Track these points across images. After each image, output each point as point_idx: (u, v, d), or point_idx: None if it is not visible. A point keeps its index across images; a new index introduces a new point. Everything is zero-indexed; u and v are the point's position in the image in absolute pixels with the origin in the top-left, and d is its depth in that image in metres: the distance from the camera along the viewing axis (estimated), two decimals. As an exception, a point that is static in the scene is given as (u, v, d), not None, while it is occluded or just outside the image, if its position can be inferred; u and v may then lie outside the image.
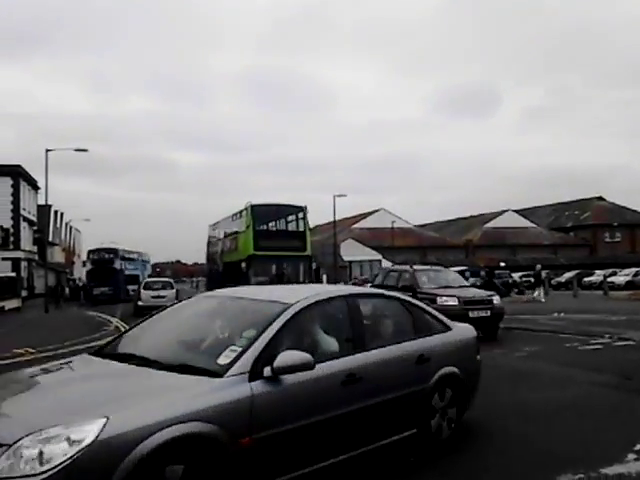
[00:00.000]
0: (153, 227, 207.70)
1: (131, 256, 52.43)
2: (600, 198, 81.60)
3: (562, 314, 20.31)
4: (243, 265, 25.04)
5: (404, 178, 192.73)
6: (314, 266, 27.36)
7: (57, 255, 65.65)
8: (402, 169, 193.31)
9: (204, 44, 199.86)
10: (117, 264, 45.23)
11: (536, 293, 32.41)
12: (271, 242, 25.16)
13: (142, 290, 29.58)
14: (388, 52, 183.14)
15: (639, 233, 75.84)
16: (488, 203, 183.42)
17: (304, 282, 24.90)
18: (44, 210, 53.97)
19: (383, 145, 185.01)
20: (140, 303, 28.04)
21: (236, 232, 27.98)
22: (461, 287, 15.59)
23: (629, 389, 8.29)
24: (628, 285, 42.62)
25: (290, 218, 27.08)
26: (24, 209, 49.30)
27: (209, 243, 35.73)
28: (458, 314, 12.69)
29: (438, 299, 13.92)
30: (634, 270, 46.53)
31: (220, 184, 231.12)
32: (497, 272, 41.50)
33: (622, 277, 45.64)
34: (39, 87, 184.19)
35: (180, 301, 6.07)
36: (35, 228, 53.84)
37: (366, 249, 63.09)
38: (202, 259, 41.04)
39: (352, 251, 60.65)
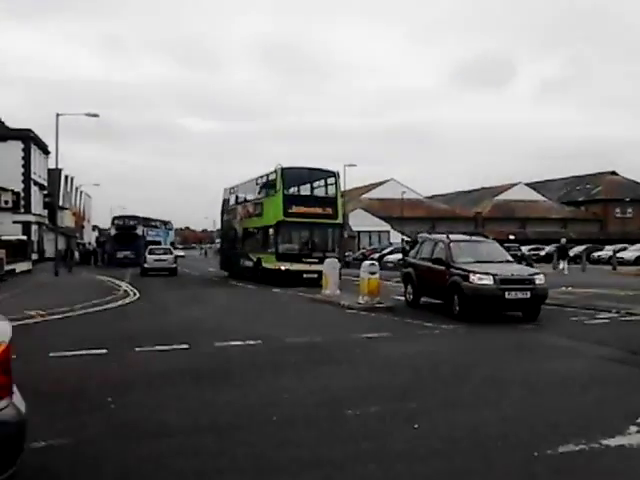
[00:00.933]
0: (163, 193, 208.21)
1: (154, 224, 57.05)
2: (613, 173, 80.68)
3: (570, 288, 20.28)
4: (271, 231, 24.19)
5: (416, 149, 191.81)
6: (345, 235, 26.52)
7: (67, 219, 65.91)
8: (414, 139, 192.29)
9: (218, 10, 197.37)
10: (139, 230, 48.34)
11: (561, 266, 32.88)
12: (302, 208, 23.99)
13: (147, 255, 34.00)
14: (404, 21, 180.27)
15: (651, 209, 75.07)
16: (500, 175, 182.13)
17: (334, 251, 24.10)
18: (54, 174, 54.17)
19: (396, 115, 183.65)
20: (146, 265, 33.09)
21: (262, 196, 26.76)
22: (502, 262, 13.78)
23: (634, 363, 8.31)
24: (637, 261, 42.43)
25: (321, 183, 25.79)
26: (34, 173, 49.36)
27: (225, 208, 33.53)
28: (493, 295, 12.30)
29: (471, 276, 12.53)
30: (644, 245, 46.25)
31: (232, 152, 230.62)
32: (506, 245, 41.44)
33: (631, 252, 45.38)
34: (52, 51, 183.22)
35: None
36: (45, 192, 54.01)
37: (375, 219, 62.89)
38: (211, 226, 41.45)
39: (361, 221, 60.46)
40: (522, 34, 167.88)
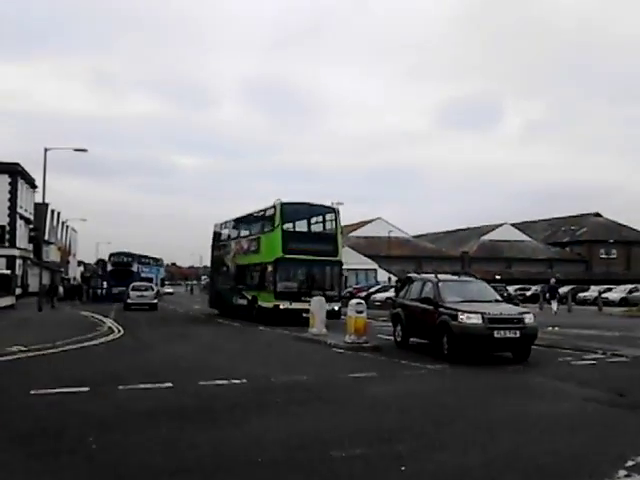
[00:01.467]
0: (150, 229, 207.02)
1: (146, 261, 58.61)
2: (597, 214, 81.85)
3: (556, 328, 20.32)
4: (269, 269, 23.41)
5: (403, 189, 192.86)
6: (344, 273, 25.77)
7: (52, 254, 65.44)
8: (402, 180, 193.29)
9: (208, 48, 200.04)
10: (134, 267, 51.45)
11: (553, 306, 33.27)
12: (301, 245, 23.35)
13: (130, 291, 36.12)
14: (391, 63, 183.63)
15: (634, 250, 75.94)
16: (486, 216, 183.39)
17: (333, 289, 23.57)
18: (41, 209, 54.00)
19: (384, 155, 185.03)
20: (129, 301, 35.26)
21: (259, 232, 25.93)
22: (491, 302, 13.65)
23: (621, 405, 8.28)
24: (622, 302, 42.65)
25: (321, 219, 25.12)
26: (21, 207, 49.18)
27: (216, 243, 32.56)
28: (481, 334, 12.17)
29: (460, 315, 12.38)
30: (629, 287, 46.61)
31: (218, 189, 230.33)
32: (492, 285, 41.64)
33: (616, 294, 45.68)
34: (40, 85, 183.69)
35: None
36: (31, 226, 53.74)
37: (362, 258, 62.95)
38: (197, 262, 41.18)
39: (348, 259, 60.24)
40: (508, 76, 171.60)
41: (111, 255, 53.45)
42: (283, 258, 22.92)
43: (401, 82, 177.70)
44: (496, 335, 12.16)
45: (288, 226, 24.16)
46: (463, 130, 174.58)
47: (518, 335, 12.34)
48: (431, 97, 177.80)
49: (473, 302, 13.23)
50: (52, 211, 65.56)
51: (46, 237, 59.28)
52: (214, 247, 32.87)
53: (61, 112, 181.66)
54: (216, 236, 32.59)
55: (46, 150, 32.09)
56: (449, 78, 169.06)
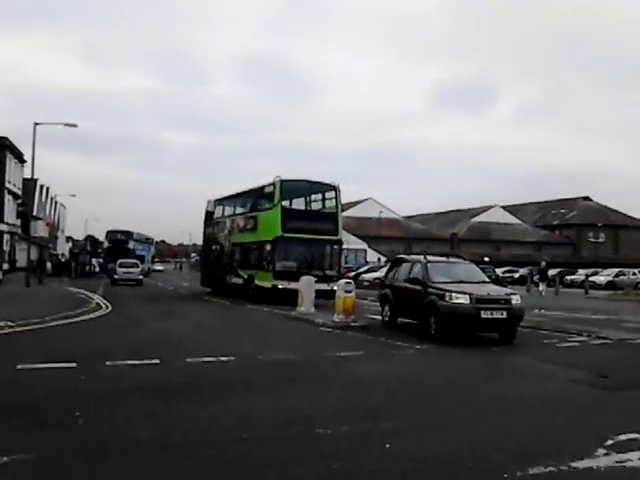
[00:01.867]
0: (139, 206, 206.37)
1: (141, 238, 59.98)
2: (586, 198, 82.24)
3: (543, 310, 20.49)
4: (267, 247, 22.89)
5: (395, 169, 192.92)
6: (344, 252, 24.73)
7: (41, 230, 64.97)
8: (395, 160, 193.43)
9: (202, 23, 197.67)
10: (131, 244, 53.05)
11: (540, 288, 33.76)
12: (301, 223, 22.80)
13: (117, 268, 38.25)
14: (388, 43, 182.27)
15: (623, 234, 76.55)
16: (477, 198, 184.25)
17: (333, 268, 23.15)
18: (29, 184, 53.51)
19: (377, 135, 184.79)
20: (115, 276, 37.48)
21: (256, 209, 25.38)
22: (479, 283, 13.85)
23: (604, 386, 8.39)
24: (609, 285, 43.10)
25: (321, 197, 24.50)
26: (9, 182, 48.72)
27: (209, 221, 31.70)
28: (468, 314, 12.29)
29: (447, 296, 12.52)
30: (615, 271, 47.05)
31: (210, 167, 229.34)
32: (480, 267, 41.90)
33: (603, 277, 46.12)
34: (31, 59, 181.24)
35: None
36: (19, 201, 53.24)
37: (352, 238, 62.81)
38: (187, 240, 41.15)
39: (338, 239, 60.44)
40: (504, 58, 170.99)
41: (108, 232, 54.61)
42: (282, 237, 22.38)
43: (397, 63, 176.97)
44: (483, 315, 12.28)
45: (287, 204, 23.65)
46: (458, 111, 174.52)
47: (505, 316, 12.47)
48: (427, 78, 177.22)
49: (461, 283, 13.37)
50: (41, 186, 64.97)
51: (34, 212, 58.84)
52: (207, 224, 32.09)
53: (53, 86, 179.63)
54: (209, 213, 31.76)
55: (36, 125, 31.71)
56: (446, 59, 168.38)
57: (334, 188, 23.89)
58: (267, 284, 22.49)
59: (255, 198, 25.97)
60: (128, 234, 54.52)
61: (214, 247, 30.48)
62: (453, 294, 12.55)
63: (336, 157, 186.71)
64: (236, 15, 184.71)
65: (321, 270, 22.20)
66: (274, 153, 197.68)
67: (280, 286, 21.91)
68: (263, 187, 24.58)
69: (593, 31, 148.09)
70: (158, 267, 79.94)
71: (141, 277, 38.58)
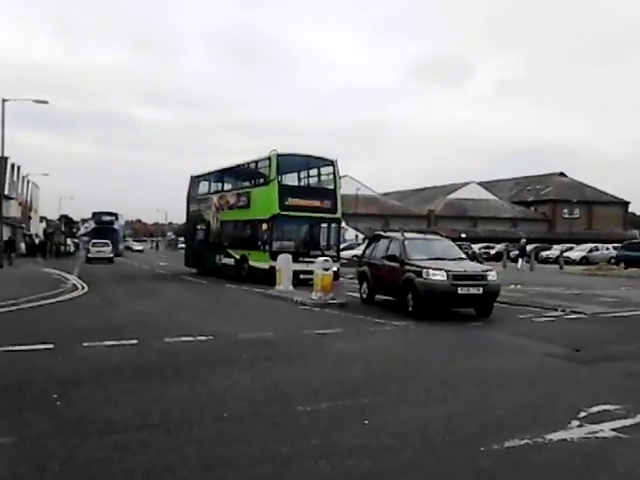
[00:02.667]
0: (113, 184, 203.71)
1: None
2: (562, 174, 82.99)
3: (518, 286, 20.77)
4: (264, 226, 21.82)
5: (372, 145, 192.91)
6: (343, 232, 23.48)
7: (13, 210, 63.68)
8: (370, 136, 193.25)
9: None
10: (116, 225, 56.66)
11: (519, 264, 35.18)
12: (299, 200, 21.67)
13: (90, 247, 43.30)
14: (362, 17, 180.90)
15: (596, 210, 77.59)
16: (454, 174, 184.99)
17: (331, 248, 22.07)
18: (0, 162, 52.36)
19: (353, 111, 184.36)
20: (89, 255, 42.20)
21: (249, 185, 24.24)
22: (455, 260, 13.97)
23: (578, 360, 8.57)
24: (583, 260, 43.79)
25: (319, 172, 23.26)
26: (-21, 161, 47.64)
27: (192, 197, 30.07)
28: (445, 290, 12.46)
29: (424, 272, 12.64)
30: (589, 246, 47.77)
31: (184, 143, 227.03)
32: (457, 243, 42.31)
33: (578, 252, 46.80)
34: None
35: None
36: (-10, 181, 52.19)
37: (329, 215, 62.96)
38: (162, 219, 41.01)
39: (315, 217, 60.37)
40: (479, 33, 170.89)
41: (94, 214, 57.95)
42: (279, 214, 21.32)
43: (372, 37, 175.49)
44: (460, 291, 12.50)
45: (284, 179, 22.45)
46: (434, 87, 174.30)
47: (481, 292, 12.70)
48: (402, 52, 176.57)
49: (438, 260, 13.49)
50: (12, 165, 63.64)
51: (6, 192, 57.60)
52: (190, 201, 30.44)
53: (21, 61, 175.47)
54: (193, 189, 30.21)
55: (4, 101, 31.00)
56: (421, 35, 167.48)
57: (332, 163, 22.83)
58: (263, 265, 21.28)
59: (247, 173, 24.80)
60: (114, 215, 57.48)
61: (199, 226, 29.08)
62: (430, 271, 12.67)
63: (311, 134, 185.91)
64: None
65: (319, 250, 21.32)
66: (248, 129, 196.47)
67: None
68: (257, 161, 23.49)
69: (572, 3, 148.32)
70: (137, 247, 79.18)
71: (112, 255, 42.45)
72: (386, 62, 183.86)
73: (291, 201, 21.60)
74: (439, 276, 12.56)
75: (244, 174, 25.23)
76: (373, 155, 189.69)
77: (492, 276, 13.05)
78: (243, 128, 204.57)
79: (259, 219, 22.31)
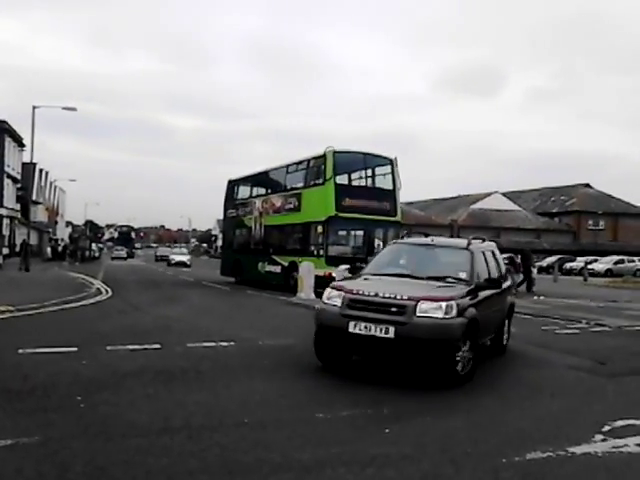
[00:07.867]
0: (140, 191, 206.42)
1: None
2: (587, 185, 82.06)
3: (542, 297, 20.55)
4: (318, 229, 20.31)
5: (400, 154, 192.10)
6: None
7: (40, 214, 64.97)
8: (398, 144, 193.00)
9: (209, 7, 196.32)
10: (132, 234, 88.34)
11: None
12: (356, 201, 20.21)
13: (114, 250, 70.85)
14: (396, 26, 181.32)
15: (622, 222, 76.47)
16: (479, 184, 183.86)
17: None
18: (29, 168, 53.39)
19: (383, 119, 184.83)
20: (112, 255, 68.58)
21: (300, 186, 22.52)
22: (442, 279, 8.20)
23: (602, 373, 8.46)
24: (607, 272, 43.22)
25: (377, 171, 21.65)
26: (8, 166, 48.61)
27: (231, 202, 28.42)
28: (332, 325, 7.71)
29: (325, 293, 8.34)
30: (614, 258, 47.11)
31: (214, 151, 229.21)
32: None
33: (602, 264, 46.20)
34: (34, 40, 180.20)
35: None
36: (19, 186, 53.20)
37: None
38: (186, 225, 41.17)
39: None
40: (512, 44, 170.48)
41: (118, 226, 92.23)
42: (336, 216, 19.72)
43: (403, 47, 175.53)
44: (352, 329, 7.34)
45: (341, 179, 20.90)
46: (464, 96, 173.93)
47: (392, 335, 7.07)
48: (433, 62, 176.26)
49: (404, 277, 8.42)
50: (40, 170, 64.90)
51: (34, 197, 58.77)
52: (228, 206, 28.75)
53: (55, 69, 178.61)
54: (231, 194, 28.56)
55: (34, 108, 31.68)
56: (452, 44, 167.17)
57: (391, 161, 21.24)
58: (318, 272, 18.78)
59: (297, 173, 23.03)
60: (132, 227, 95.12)
61: (240, 231, 27.37)
62: (331, 291, 8.14)
63: (340, 141, 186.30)
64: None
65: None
66: (278, 137, 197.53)
67: (334, 274, 17.12)
68: (308, 160, 22.00)
69: (604, 15, 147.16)
70: (179, 257, 54.80)
71: (126, 255, 69.89)
72: (418, 71, 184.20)
73: (348, 202, 20.11)
74: (334, 300, 7.87)
75: (293, 174, 23.38)
76: (401, 164, 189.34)
77: (436, 310, 7.10)
78: (272, 136, 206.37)
79: (312, 222, 20.79)
